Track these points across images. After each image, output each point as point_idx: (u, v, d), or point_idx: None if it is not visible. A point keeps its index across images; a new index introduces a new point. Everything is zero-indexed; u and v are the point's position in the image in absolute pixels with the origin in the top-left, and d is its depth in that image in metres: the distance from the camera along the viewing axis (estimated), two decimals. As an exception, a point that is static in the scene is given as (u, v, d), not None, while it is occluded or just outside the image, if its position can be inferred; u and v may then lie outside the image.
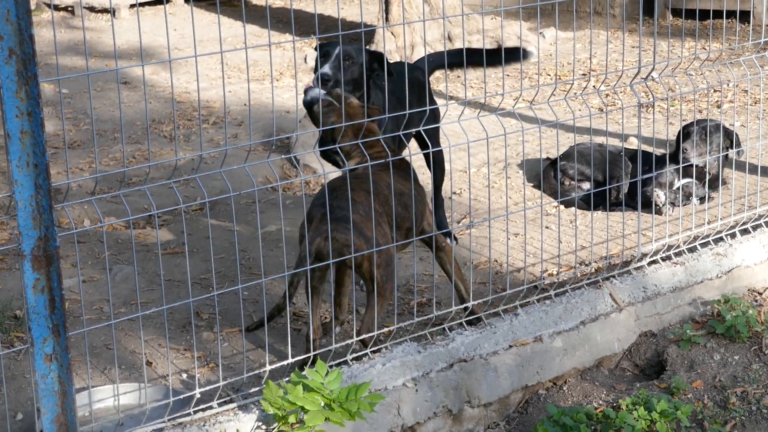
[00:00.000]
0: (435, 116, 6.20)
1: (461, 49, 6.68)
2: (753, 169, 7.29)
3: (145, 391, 4.54)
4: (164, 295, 4.54)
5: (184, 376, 5.02)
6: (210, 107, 10.25)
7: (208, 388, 4.35)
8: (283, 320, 5.37)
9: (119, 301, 5.82)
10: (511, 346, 4.96)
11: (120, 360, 5.10)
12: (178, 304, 4.83)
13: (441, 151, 6.46)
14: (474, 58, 6.52)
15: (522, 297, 5.22)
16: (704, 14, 12.25)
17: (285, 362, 4.58)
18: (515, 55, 6.58)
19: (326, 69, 5.58)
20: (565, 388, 5.09)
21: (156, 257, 6.27)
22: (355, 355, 4.70)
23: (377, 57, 5.79)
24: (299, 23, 14.44)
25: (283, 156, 7.99)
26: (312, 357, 4.65)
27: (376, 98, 5.78)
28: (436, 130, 6.32)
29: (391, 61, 6.35)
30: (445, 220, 6.51)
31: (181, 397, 4.29)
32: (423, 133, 5.95)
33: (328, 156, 5.57)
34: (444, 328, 4.97)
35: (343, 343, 4.80)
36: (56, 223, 3.44)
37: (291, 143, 8.49)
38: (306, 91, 5.27)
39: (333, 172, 5.58)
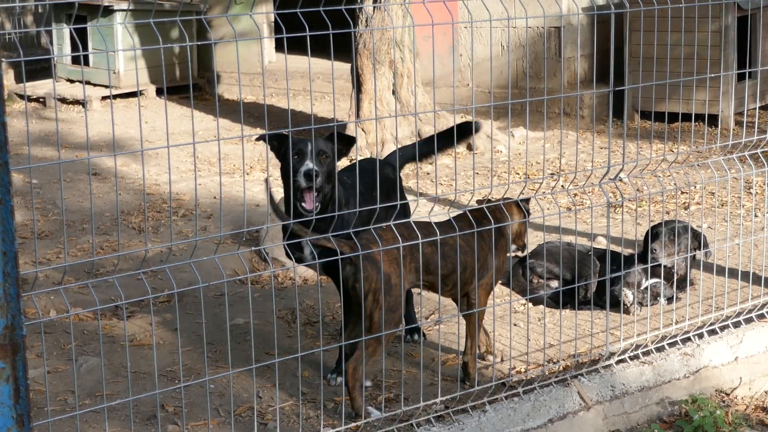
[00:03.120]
0: (405, 212, 6.20)
1: (428, 139, 6.70)
2: (720, 270, 7.34)
3: (108, 483, 4.48)
4: (130, 387, 4.50)
5: (148, 469, 4.96)
6: (180, 199, 10.25)
7: (172, 481, 4.30)
8: (249, 414, 5.33)
9: (84, 393, 5.76)
10: (478, 444, 4.94)
11: (83, 452, 5.04)
12: (143, 396, 4.79)
13: None
14: (440, 142, 6.52)
15: (490, 394, 5.20)
16: (673, 117, 12.41)
17: (251, 456, 4.54)
18: (467, 128, 6.58)
19: (311, 165, 5.52)
20: (532, 486, 5.05)
21: (122, 349, 6.23)
22: (321, 450, 4.67)
23: (347, 141, 5.80)
24: (271, 118, 14.52)
25: (252, 249, 7.99)
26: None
27: (341, 194, 5.77)
28: None
29: (362, 157, 6.37)
30: (413, 314, 6.50)
31: (145, 490, 4.24)
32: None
33: (295, 250, 5.57)
34: (411, 424, 4.94)
35: (310, 438, 4.76)
36: (23, 312, 3.41)
37: (260, 236, 8.48)
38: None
39: (303, 265, 5.58)
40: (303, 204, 5.52)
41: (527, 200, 6.00)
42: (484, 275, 5.65)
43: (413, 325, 6.42)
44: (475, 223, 5.37)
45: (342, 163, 5.94)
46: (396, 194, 6.20)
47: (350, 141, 5.77)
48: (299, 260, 5.64)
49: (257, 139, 5.74)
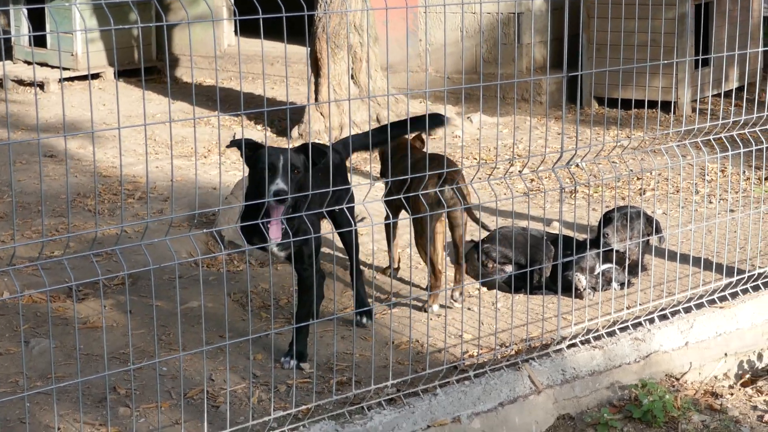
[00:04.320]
0: (350, 197, 6.24)
1: (384, 126, 6.67)
2: (672, 256, 7.39)
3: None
4: (80, 369, 4.48)
5: (99, 451, 4.95)
6: (136, 182, 10.22)
7: (121, 463, 4.30)
8: (201, 397, 5.34)
9: (35, 375, 5.74)
10: (429, 426, 4.96)
11: (34, 434, 5.03)
12: (93, 378, 4.78)
13: (356, 230, 6.43)
14: (394, 131, 6.49)
15: (441, 377, 5.22)
16: (631, 103, 12.48)
17: (201, 438, 4.54)
18: (436, 121, 6.50)
19: (282, 185, 5.45)
20: (482, 469, 5.08)
21: (75, 331, 6.21)
22: (272, 432, 4.68)
23: (307, 153, 5.67)
24: (229, 101, 14.49)
25: (205, 231, 7.96)
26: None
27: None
28: (352, 209, 6.33)
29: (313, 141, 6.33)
30: (365, 297, 6.52)
31: (94, 472, 4.24)
32: (337, 212, 5.97)
33: (251, 232, 5.55)
34: (362, 407, 4.96)
35: (260, 420, 4.76)
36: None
37: (216, 219, 8.46)
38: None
39: (255, 248, 5.58)
40: (270, 235, 5.44)
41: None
42: None
43: (365, 309, 6.43)
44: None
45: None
46: (345, 179, 6.21)
47: (322, 153, 5.66)
48: (252, 243, 5.63)
49: (229, 146, 5.69)
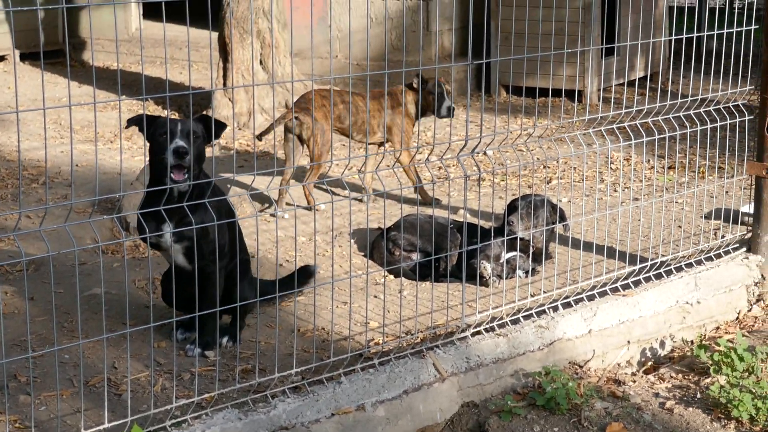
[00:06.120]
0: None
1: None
2: (577, 244, 7.46)
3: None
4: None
5: (-2, 440, 4.88)
6: (41, 167, 10.08)
7: (20, 453, 4.24)
8: (103, 385, 5.28)
9: (-66, 363, 5.64)
10: (333, 414, 4.95)
11: (-69, 423, 4.94)
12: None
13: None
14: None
15: (346, 365, 5.22)
16: (543, 93, 12.59)
17: (101, 427, 4.49)
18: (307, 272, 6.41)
19: (181, 142, 5.38)
20: (386, 457, 5.09)
21: (-25, 318, 6.11)
22: (174, 421, 4.64)
23: (205, 124, 5.65)
24: (137, 86, 14.36)
25: (105, 216, 7.86)
26: (129, 422, 4.56)
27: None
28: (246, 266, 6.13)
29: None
30: (238, 332, 6.00)
31: (-9, 461, 4.17)
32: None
33: (154, 217, 5.47)
34: (266, 395, 4.94)
35: (163, 408, 4.73)
36: None
37: (119, 204, 8.37)
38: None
39: (156, 235, 5.51)
40: (172, 175, 5.38)
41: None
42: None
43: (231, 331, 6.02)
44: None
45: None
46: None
47: (221, 126, 5.63)
48: (152, 231, 5.54)
49: (127, 126, 5.63)
